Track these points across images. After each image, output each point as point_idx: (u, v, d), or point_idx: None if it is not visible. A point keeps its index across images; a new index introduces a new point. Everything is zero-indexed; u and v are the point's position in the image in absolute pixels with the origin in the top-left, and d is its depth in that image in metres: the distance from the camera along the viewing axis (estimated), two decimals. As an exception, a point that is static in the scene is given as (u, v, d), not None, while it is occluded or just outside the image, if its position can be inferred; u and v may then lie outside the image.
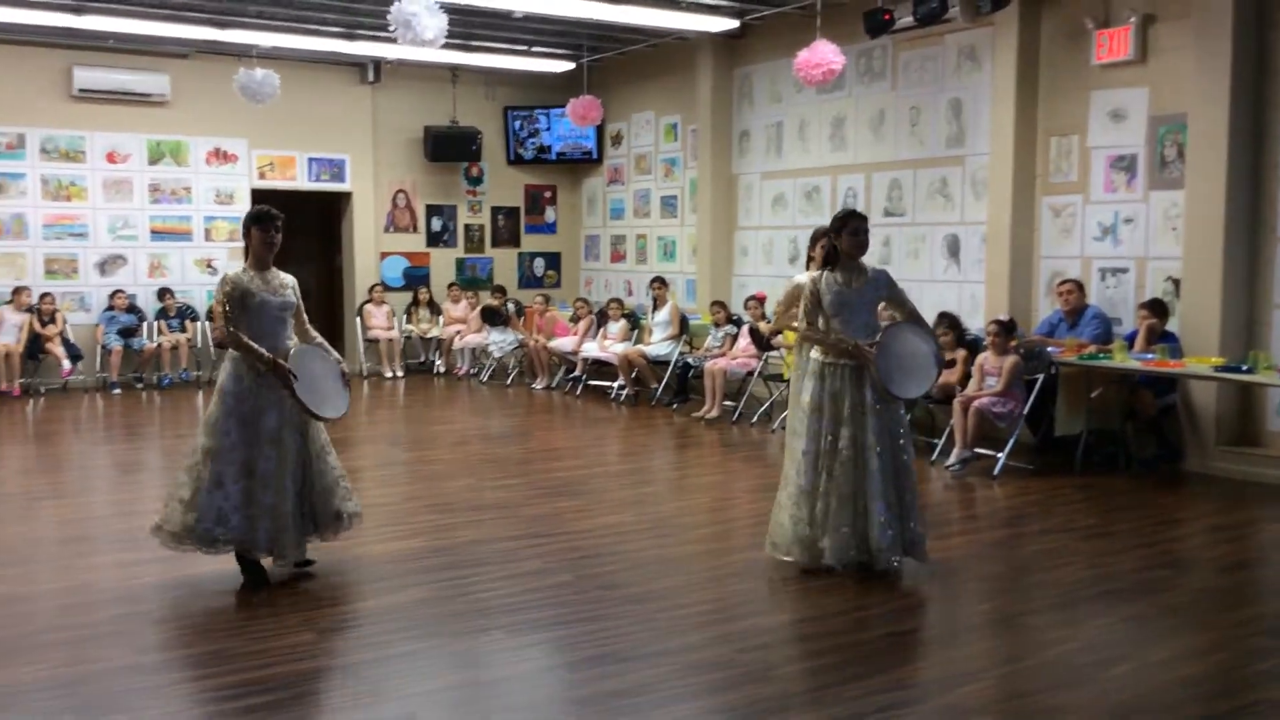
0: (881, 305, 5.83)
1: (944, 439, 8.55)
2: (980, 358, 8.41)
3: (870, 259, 5.80)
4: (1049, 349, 8.36)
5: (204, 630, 4.82)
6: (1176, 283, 8.46)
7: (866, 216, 5.76)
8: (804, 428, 5.64)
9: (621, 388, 11.78)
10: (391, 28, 8.12)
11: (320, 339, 5.70)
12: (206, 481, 5.28)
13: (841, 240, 5.64)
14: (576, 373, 12.47)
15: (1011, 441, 8.10)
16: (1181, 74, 8.35)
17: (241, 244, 5.59)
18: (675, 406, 11.17)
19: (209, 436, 5.34)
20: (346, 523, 5.62)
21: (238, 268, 5.48)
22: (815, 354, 5.73)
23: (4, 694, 4.08)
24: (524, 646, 4.67)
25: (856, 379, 5.57)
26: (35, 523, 6.72)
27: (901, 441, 5.58)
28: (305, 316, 5.64)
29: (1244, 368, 7.40)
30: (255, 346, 5.27)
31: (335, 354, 5.66)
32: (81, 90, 12.42)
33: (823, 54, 8.90)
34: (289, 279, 5.57)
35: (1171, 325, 8.34)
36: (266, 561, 5.43)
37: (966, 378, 8.51)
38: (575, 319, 12.93)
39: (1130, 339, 8.30)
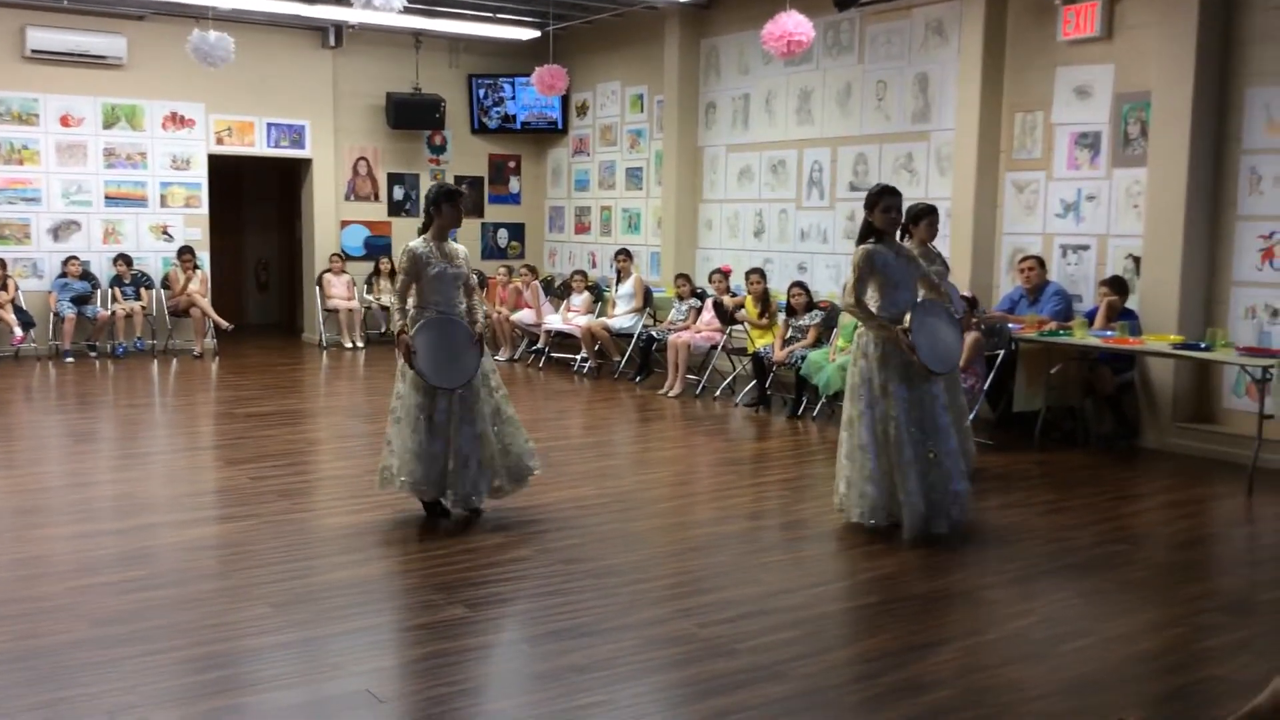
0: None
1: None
2: (942, 333, 8.42)
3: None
4: (1009, 325, 8.41)
5: (160, 603, 4.74)
6: (1137, 260, 8.52)
7: (900, 193, 5.93)
8: (858, 399, 5.85)
9: (584, 360, 11.74)
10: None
11: (478, 308, 6.05)
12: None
13: (875, 217, 5.85)
14: (539, 345, 12.42)
15: (971, 416, 8.13)
16: (1147, 51, 8.38)
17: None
18: (638, 380, 11.15)
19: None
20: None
21: (416, 239, 5.90)
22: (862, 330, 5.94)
23: (-47, 668, 4.01)
24: (483, 621, 4.65)
25: (892, 357, 5.80)
26: (-14, 493, 6.60)
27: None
28: (474, 284, 6.06)
29: (1202, 345, 7.47)
30: (399, 319, 5.79)
31: (469, 323, 5.97)
32: (34, 51, 12.13)
33: (789, 25, 8.85)
34: (461, 249, 6.02)
35: (1131, 303, 8.40)
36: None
37: (929, 353, 8.52)
38: (523, 284, 12.80)
39: (1090, 316, 8.36)
